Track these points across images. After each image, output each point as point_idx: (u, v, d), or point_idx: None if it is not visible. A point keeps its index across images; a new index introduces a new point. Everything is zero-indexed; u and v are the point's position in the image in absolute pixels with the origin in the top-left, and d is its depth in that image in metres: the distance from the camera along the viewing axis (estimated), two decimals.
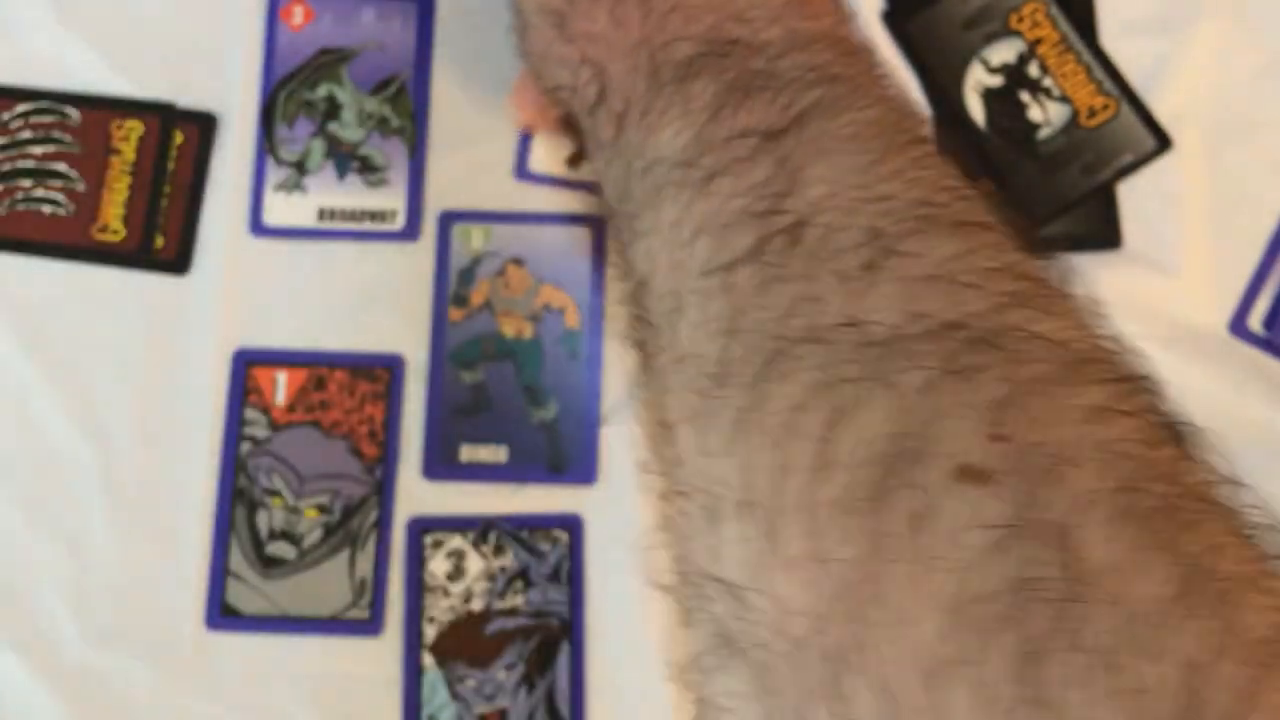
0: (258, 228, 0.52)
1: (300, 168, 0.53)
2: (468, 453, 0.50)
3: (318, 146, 0.53)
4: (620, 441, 0.51)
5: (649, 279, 0.34)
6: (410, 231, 0.52)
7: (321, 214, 0.52)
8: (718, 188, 0.32)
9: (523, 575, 0.49)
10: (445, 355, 0.51)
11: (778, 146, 0.32)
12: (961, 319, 0.28)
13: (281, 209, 0.52)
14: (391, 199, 0.53)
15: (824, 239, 0.30)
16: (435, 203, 0.53)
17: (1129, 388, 0.30)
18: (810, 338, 0.29)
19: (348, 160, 0.53)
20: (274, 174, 0.53)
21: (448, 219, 0.52)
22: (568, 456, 0.50)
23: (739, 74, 0.34)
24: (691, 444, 0.31)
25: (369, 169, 0.53)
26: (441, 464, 0.50)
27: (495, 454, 0.50)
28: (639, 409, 0.35)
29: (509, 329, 0.51)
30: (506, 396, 0.51)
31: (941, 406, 0.27)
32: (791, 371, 0.29)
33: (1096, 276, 0.51)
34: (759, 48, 0.34)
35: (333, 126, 0.53)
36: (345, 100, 0.53)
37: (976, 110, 0.52)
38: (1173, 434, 0.30)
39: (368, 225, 0.52)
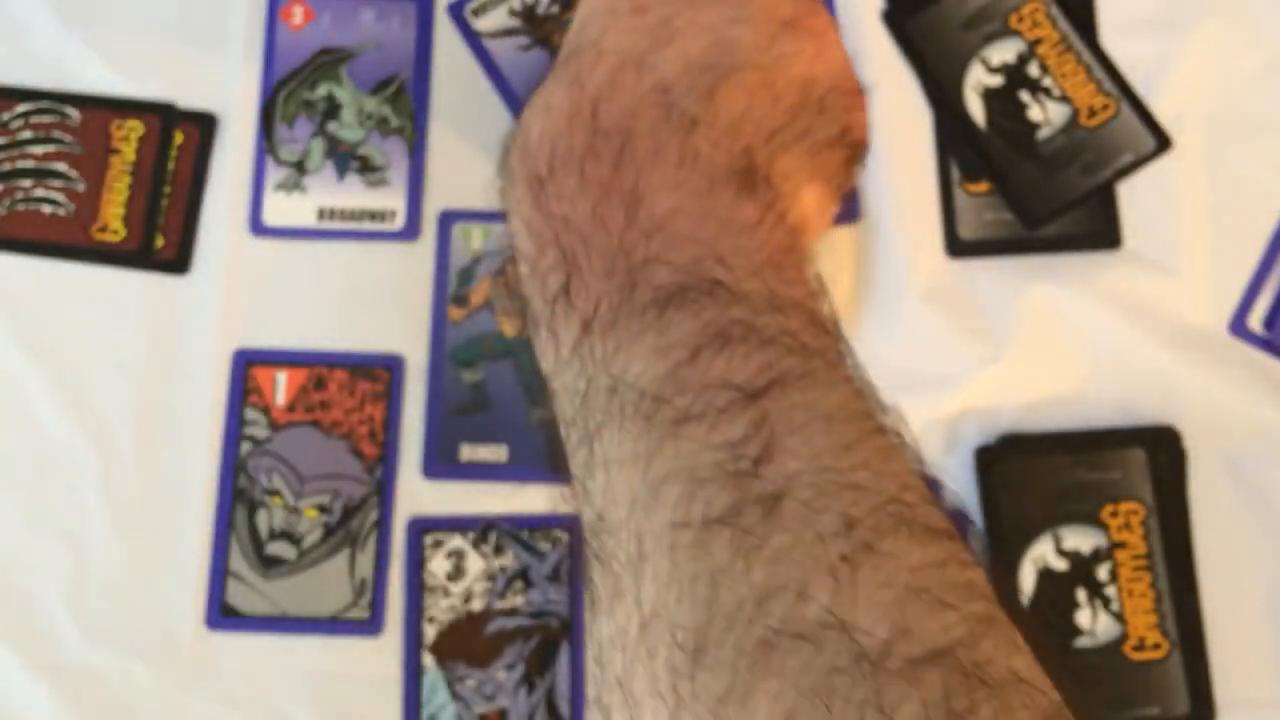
0: (258, 227, 0.52)
1: (300, 167, 0.53)
2: (468, 452, 0.50)
3: (317, 146, 0.53)
4: None
5: (605, 512, 0.33)
6: (410, 231, 0.52)
7: (321, 214, 0.52)
8: (691, 433, 0.31)
9: (523, 575, 0.49)
10: (445, 355, 0.51)
11: (755, 406, 0.31)
12: (948, 645, 0.28)
13: (281, 209, 0.52)
14: (391, 199, 0.53)
15: (804, 519, 0.29)
16: (435, 202, 0.53)
17: None
18: (797, 632, 0.28)
19: (347, 160, 0.53)
20: (274, 174, 0.53)
21: (448, 218, 0.52)
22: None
23: (720, 319, 0.33)
24: None
25: (369, 169, 0.53)
26: (441, 463, 0.50)
27: (495, 453, 0.50)
28: (592, 655, 0.33)
29: (509, 328, 0.51)
30: (506, 396, 0.51)
31: None
32: (778, 668, 0.28)
33: (1096, 276, 0.52)
34: (740, 297, 0.34)
35: (332, 126, 0.53)
36: (345, 100, 0.53)
37: (976, 110, 0.52)
38: None
39: (367, 225, 0.52)
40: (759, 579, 0.29)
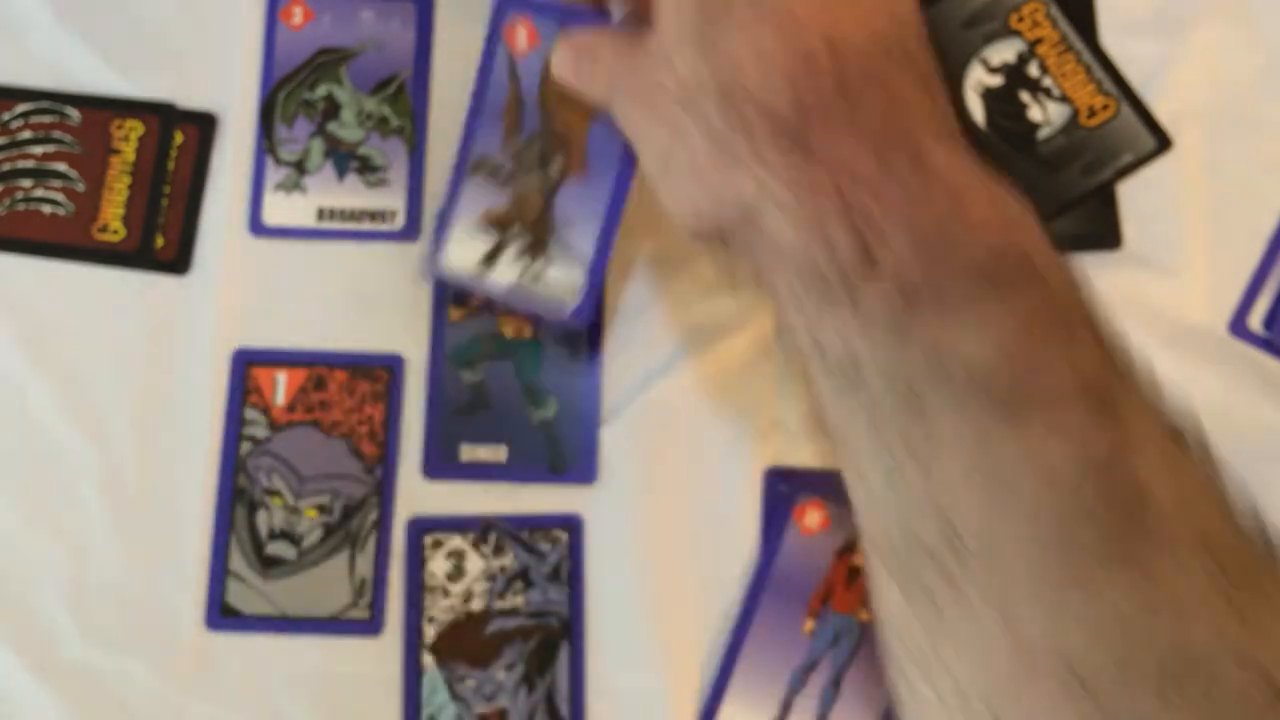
0: (257, 227, 0.52)
1: (300, 168, 0.53)
2: (468, 452, 0.50)
3: (317, 146, 0.53)
4: (620, 441, 0.51)
5: (938, 501, 0.30)
6: (410, 231, 0.52)
7: (321, 214, 0.52)
8: (1038, 420, 0.30)
9: (523, 575, 0.49)
10: (445, 355, 0.51)
11: (1097, 397, 0.30)
12: None
13: (281, 209, 0.52)
14: (391, 199, 0.53)
15: (1186, 548, 0.29)
16: (435, 203, 0.53)
17: None
18: (1195, 659, 0.27)
19: (347, 160, 0.53)
20: (273, 174, 0.53)
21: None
22: (567, 456, 0.50)
23: (1047, 307, 0.32)
24: None
25: (368, 169, 0.53)
26: (441, 463, 0.50)
27: (495, 454, 0.50)
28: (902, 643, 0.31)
29: (509, 329, 0.51)
30: (506, 396, 0.51)
31: None
32: (1188, 698, 0.27)
33: (1096, 276, 0.51)
34: (1052, 272, 0.32)
35: (332, 126, 0.53)
36: (344, 100, 0.53)
37: (976, 110, 0.52)
38: None
39: (367, 225, 0.52)
40: (1155, 612, 0.28)
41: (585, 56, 0.42)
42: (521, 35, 0.46)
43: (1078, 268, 0.34)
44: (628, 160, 0.44)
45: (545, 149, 0.46)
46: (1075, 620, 0.28)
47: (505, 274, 0.47)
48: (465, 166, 0.47)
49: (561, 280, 0.46)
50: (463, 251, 0.47)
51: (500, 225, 0.47)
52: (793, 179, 0.33)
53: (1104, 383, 0.31)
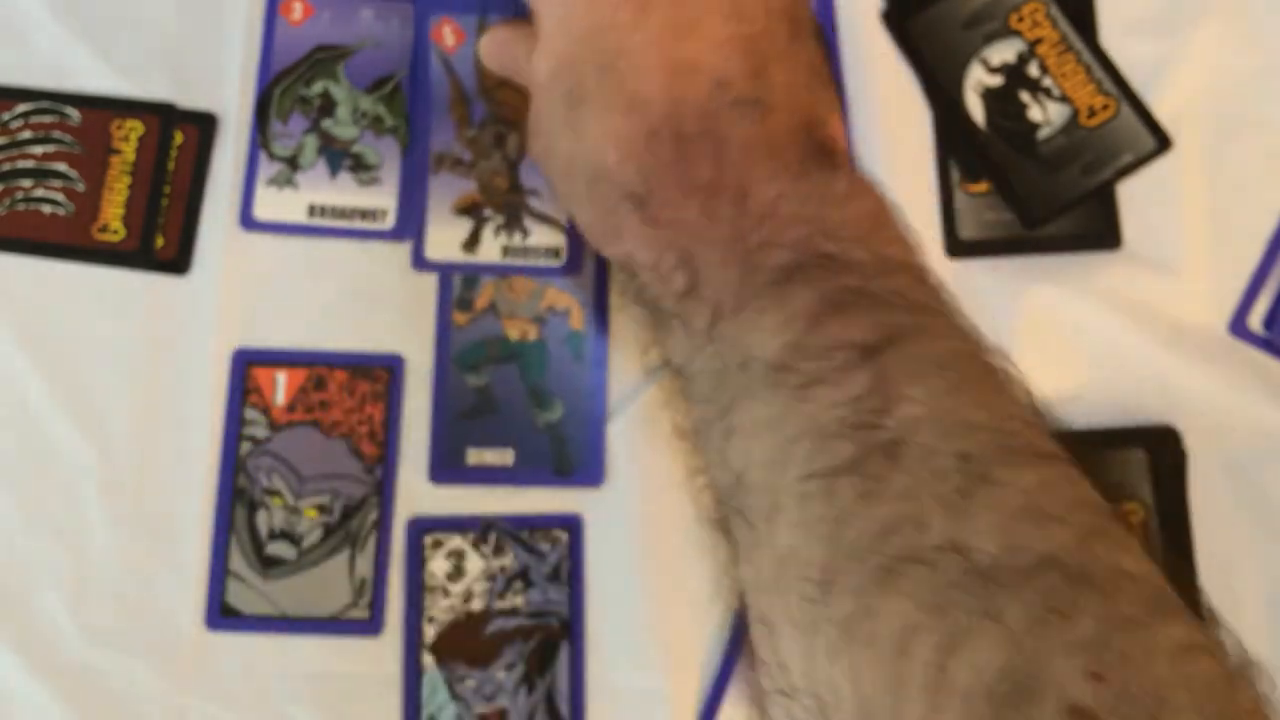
0: (247, 221, 0.52)
1: (292, 163, 0.53)
2: (474, 456, 0.50)
3: (311, 143, 0.53)
4: (621, 442, 0.51)
5: (744, 474, 0.36)
6: (401, 231, 0.52)
7: (312, 210, 0.52)
8: (816, 395, 0.34)
9: (523, 575, 0.49)
10: (450, 359, 0.51)
11: (874, 363, 0.34)
12: (1054, 552, 0.31)
13: (272, 204, 0.52)
14: (382, 198, 0.52)
15: (921, 459, 0.33)
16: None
17: (1202, 624, 0.33)
18: (914, 558, 0.31)
19: (340, 158, 0.53)
20: (266, 169, 0.53)
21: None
22: (574, 459, 0.50)
23: (835, 288, 0.36)
24: (797, 648, 0.33)
25: (361, 167, 0.53)
26: (448, 468, 0.50)
27: (502, 457, 0.50)
28: (738, 600, 0.38)
29: (514, 332, 0.51)
30: (512, 399, 0.51)
31: (1047, 644, 0.29)
32: (899, 589, 0.31)
33: (1096, 276, 0.52)
34: (851, 266, 0.36)
35: (327, 123, 0.53)
36: (340, 98, 0.53)
37: (976, 110, 0.52)
38: (1245, 670, 0.33)
39: (358, 223, 0.52)
40: (881, 516, 0.32)
41: (507, 50, 0.46)
42: (448, 33, 0.50)
43: (885, 235, 0.38)
44: None
45: (498, 130, 0.50)
46: (814, 525, 0.33)
47: (490, 252, 0.50)
48: (428, 165, 0.50)
49: (545, 243, 0.49)
50: (443, 241, 0.50)
51: (472, 210, 0.50)
52: (646, 241, 0.38)
53: (881, 345, 0.34)
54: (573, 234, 0.48)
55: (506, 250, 0.49)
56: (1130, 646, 0.29)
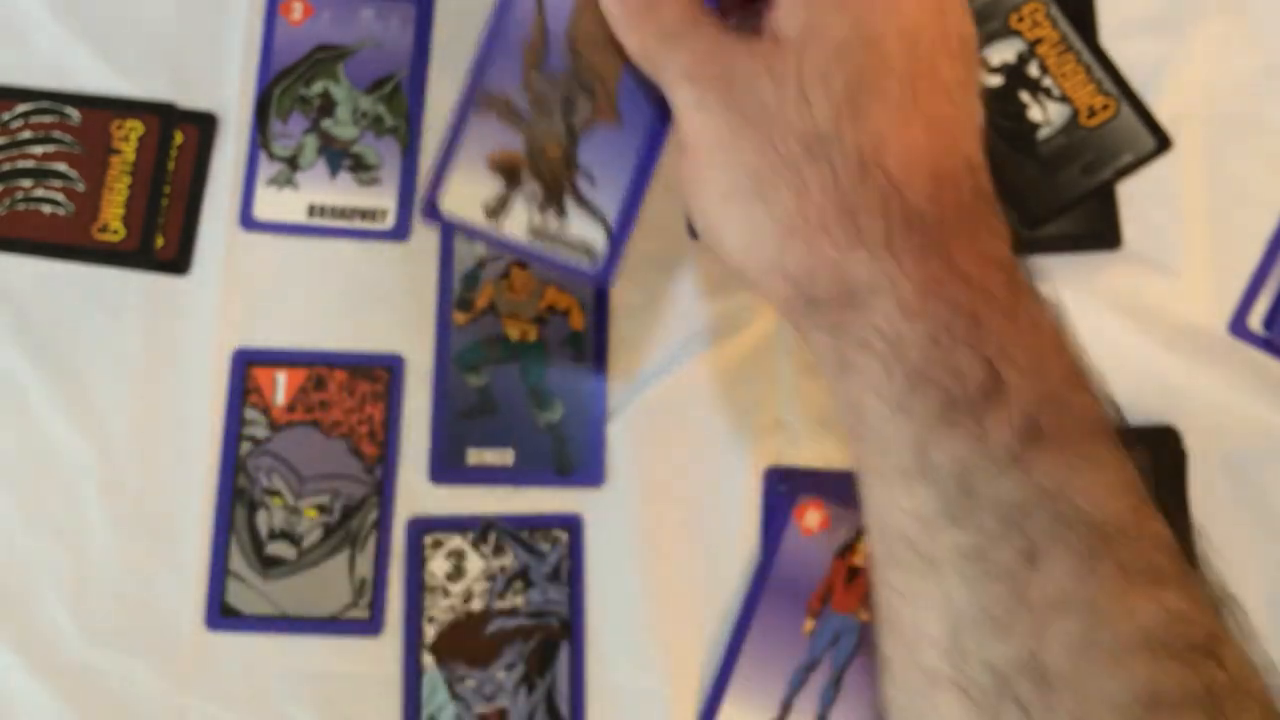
0: (247, 221, 0.52)
1: (292, 163, 0.53)
2: (474, 456, 0.50)
3: (311, 143, 0.53)
4: (621, 442, 0.51)
5: (1039, 655, 0.30)
6: (400, 231, 0.52)
7: (312, 210, 0.52)
8: (1144, 590, 0.30)
9: (523, 575, 0.49)
10: (450, 359, 0.51)
11: (1189, 569, 0.30)
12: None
13: (272, 204, 0.52)
14: (382, 198, 0.52)
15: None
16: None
17: None
18: None
19: (340, 157, 0.53)
20: (266, 169, 0.53)
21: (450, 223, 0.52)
22: (574, 459, 0.50)
23: (1137, 472, 0.32)
24: None
25: (361, 167, 0.53)
26: (449, 468, 0.50)
27: (502, 457, 0.50)
28: None
29: (514, 332, 0.51)
30: (512, 399, 0.51)
31: None
32: None
33: (1096, 276, 0.52)
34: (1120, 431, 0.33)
35: (327, 123, 0.53)
36: (340, 97, 0.53)
37: None
38: None
39: (358, 223, 0.52)
40: None
41: (651, 10, 0.37)
42: None
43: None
44: (664, 117, 0.39)
45: (570, 92, 0.41)
46: None
47: (514, 226, 0.41)
48: (473, 100, 0.41)
49: (582, 238, 0.41)
50: (464, 195, 0.41)
51: (509, 171, 0.41)
52: (927, 285, 0.32)
53: (1181, 551, 0.31)
54: (618, 237, 0.40)
55: (535, 231, 0.40)
56: None
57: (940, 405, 0.31)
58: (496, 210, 0.41)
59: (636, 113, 0.40)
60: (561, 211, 0.41)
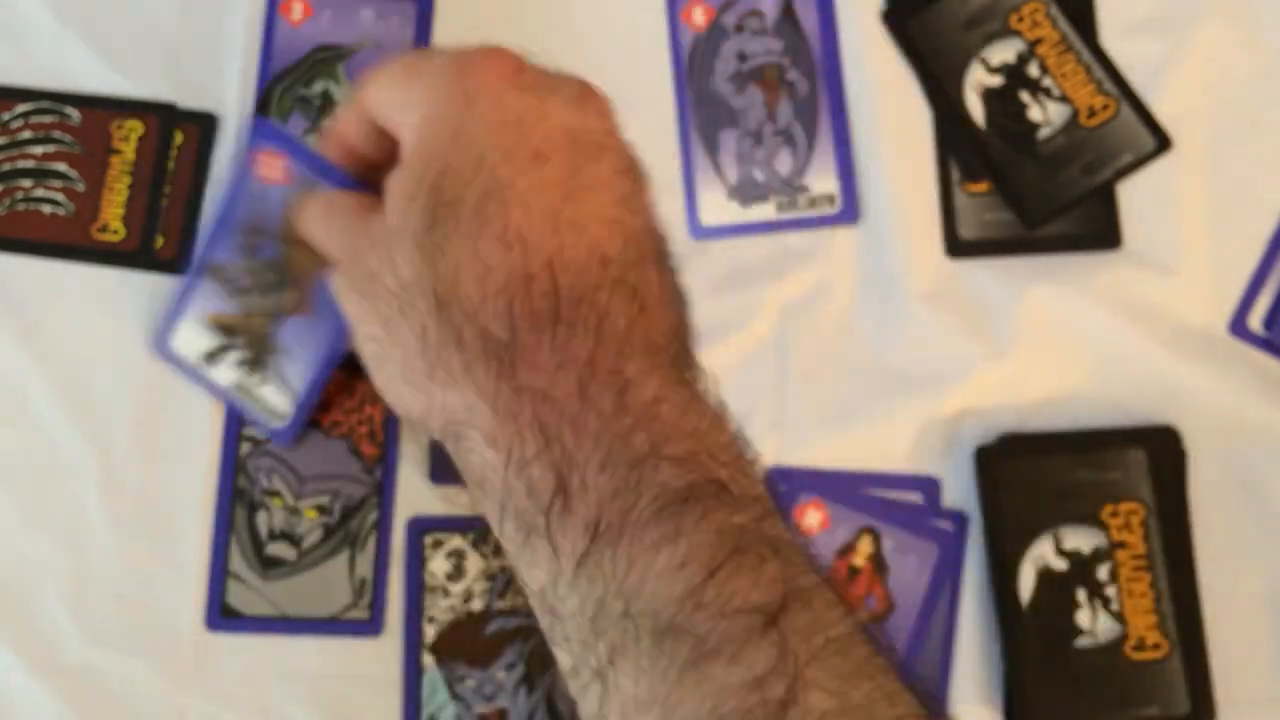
0: None
1: None
2: None
3: (311, 143, 0.53)
4: None
5: None
6: None
7: None
8: (713, 671, 0.29)
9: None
10: None
11: (775, 631, 0.30)
12: None
13: None
14: None
15: None
16: None
17: None
18: None
19: None
20: None
21: None
22: None
23: (730, 527, 0.31)
24: None
25: None
26: (449, 468, 0.50)
27: None
28: None
29: None
30: None
31: None
32: None
33: (1096, 276, 0.52)
34: (741, 501, 0.32)
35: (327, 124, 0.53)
36: (340, 98, 0.53)
37: (976, 110, 0.52)
38: None
39: None
40: None
41: (324, 216, 0.41)
42: (276, 167, 0.47)
43: (752, 470, 0.34)
44: (344, 326, 0.40)
45: (278, 279, 0.48)
46: None
47: (224, 376, 0.49)
48: (204, 266, 0.49)
49: (272, 401, 0.49)
50: (190, 341, 0.49)
51: (226, 330, 0.49)
52: (499, 406, 0.33)
53: (782, 608, 0.30)
54: (302, 407, 0.48)
55: (238, 386, 0.49)
56: None
57: (522, 531, 0.32)
58: (212, 358, 0.49)
59: (328, 311, 0.44)
60: (262, 374, 0.49)
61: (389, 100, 0.38)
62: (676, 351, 0.35)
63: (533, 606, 0.33)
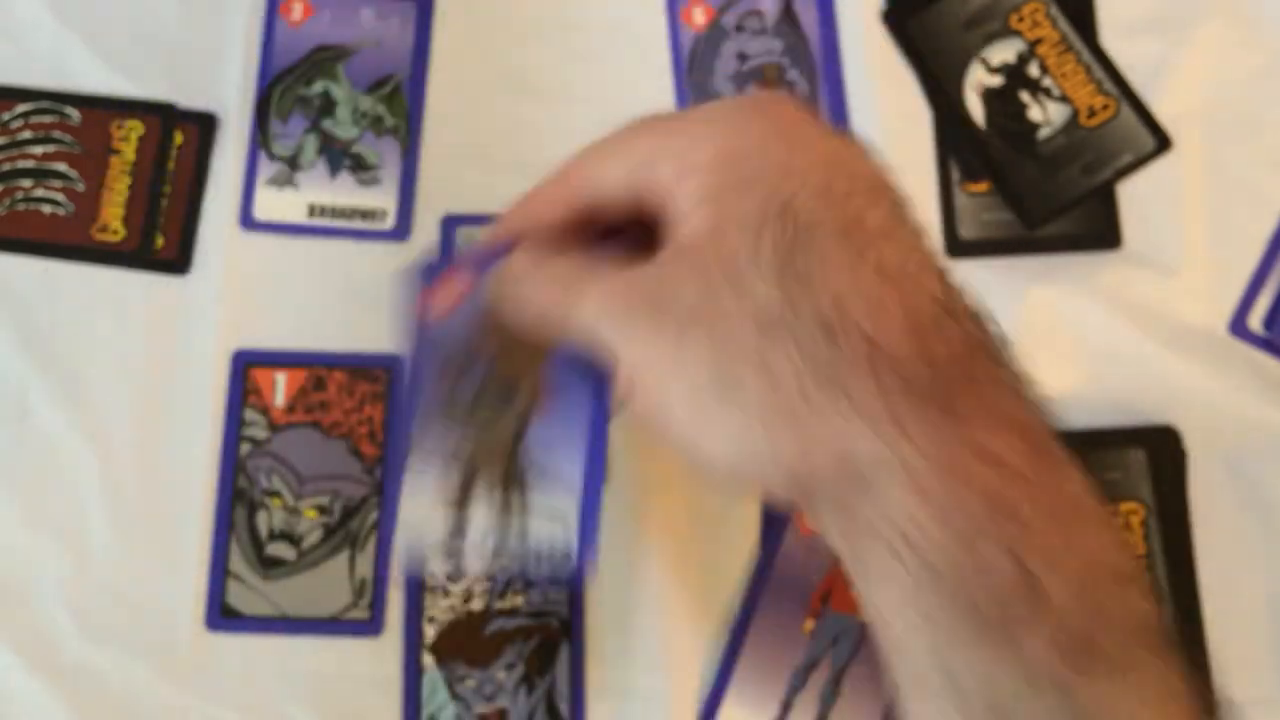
0: (248, 221, 0.52)
1: (293, 163, 0.53)
2: None
3: (311, 143, 0.53)
4: (620, 441, 0.50)
5: None
6: (400, 231, 0.52)
7: (312, 210, 0.52)
8: None
9: (523, 575, 0.49)
10: None
11: None
12: None
13: (272, 204, 0.52)
14: (382, 198, 0.52)
15: None
16: (425, 203, 0.53)
17: None
18: None
19: (340, 157, 0.53)
20: (266, 169, 0.53)
21: (450, 223, 0.52)
22: None
23: (1179, 675, 0.27)
24: None
25: (361, 167, 0.53)
26: None
27: None
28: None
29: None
30: None
31: None
32: None
33: (1096, 276, 0.52)
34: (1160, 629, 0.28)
35: (327, 123, 0.53)
36: (340, 98, 0.53)
37: (976, 110, 0.52)
38: None
39: (358, 223, 0.52)
40: None
41: (533, 270, 0.35)
42: (446, 295, 0.39)
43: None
44: (601, 390, 0.37)
45: (494, 407, 0.38)
46: None
47: (477, 558, 0.38)
48: (416, 464, 0.38)
49: (549, 540, 0.38)
50: (422, 535, 0.38)
51: (461, 502, 0.38)
52: (942, 460, 0.27)
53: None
54: (586, 525, 0.38)
55: (499, 546, 0.37)
56: None
57: (965, 615, 0.27)
58: (454, 538, 0.38)
59: (570, 397, 0.37)
60: (520, 521, 0.38)
61: (625, 162, 0.34)
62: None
63: (940, 696, 0.28)
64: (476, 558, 0.37)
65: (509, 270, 0.36)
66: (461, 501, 0.37)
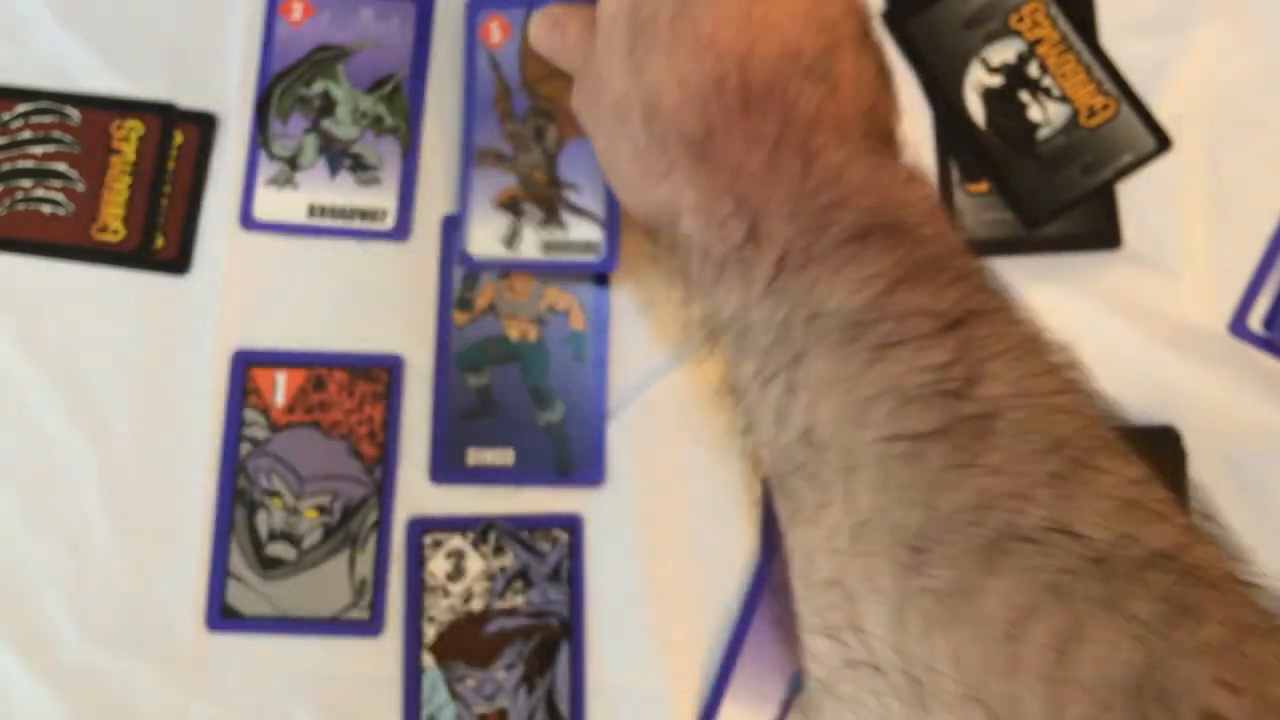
0: (247, 221, 0.52)
1: (292, 163, 0.53)
2: (474, 456, 0.50)
3: (311, 142, 0.53)
4: (621, 442, 0.51)
5: (810, 431, 0.34)
6: (400, 231, 0.52)
7: (312, 210, 0.52)
8: (896, 356, 0.33)
9: (523, 575, 0.49)
10: (450, 359, 0.51)
11: (957, 333, 0.33)
12: (1165, 549, 0.29)
13: (272, 204, 0.52)
14: (382, 198, 0.52)
15: (1014, 437, 0.31)
16: (426, 203, 0.53)
17: None
18: (1020, 536, 0.30)
19: (340, 157, 0.53)
20: (266, 168, 0.53)
21: (451, 222, 0.52)
22: (575, 458, 0.50)
23: (914, 257, 0.34)
24: (884, 617, 0.31)
25: (361, 167, 0.53)
26: (449, 468, 0.50)
27: (502, 457, 0.50)
28: (797, 565, 0.35)
29: (514, 332, 0.51)
30: (512, 399, 0.51)
31: (1176, 644, 0.27)
32: (1006, 567, 0.29)
33: (1096, 276, 0.52)
34: (925, 240, 0.35)
35: (327, 123, 0.53)
36: (340, 97, 0.53)
37: (976, 110, 0.52)
38: None
39: (358, 223, 0.52)
40: (976, 488, 0.31)
41: (556, 28, 0.46)
42: (495, 30, 0.51)
43: (947, 223, 0.37)
44: None
45: (538, 124, 0.50)
46: (902, 489, 0.31)
47: (530, 248, 0.49)
48: (471, 159, 0.50)
49: (583, 239, 0.49)
50: (485, 237, 0.49)
51: (512, 205, 0.49)
52: (698, 184, 0.38)
53: (963, 319, 0.33)
54: (611, 228, 0.49)
55: (547, 246, 0.49)
56: (1261, 655, 0.28)
57: (715, 269, 0.37)
58: (511, 240, 0.49)
59: None
60: (561, 223, 0.49)
61: None
62: (869, 126, 0.38)
63: (723, 342, 0.37)
64: (531, 246, 0.49)
65: (535, 22, 0.47)
66: (514, 210, 0.49)
